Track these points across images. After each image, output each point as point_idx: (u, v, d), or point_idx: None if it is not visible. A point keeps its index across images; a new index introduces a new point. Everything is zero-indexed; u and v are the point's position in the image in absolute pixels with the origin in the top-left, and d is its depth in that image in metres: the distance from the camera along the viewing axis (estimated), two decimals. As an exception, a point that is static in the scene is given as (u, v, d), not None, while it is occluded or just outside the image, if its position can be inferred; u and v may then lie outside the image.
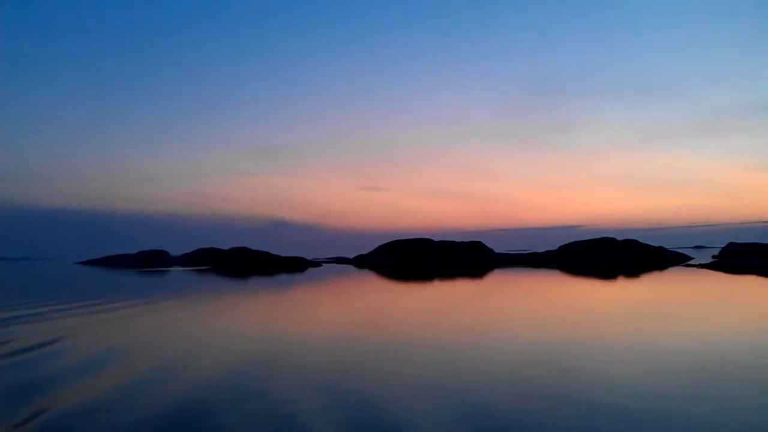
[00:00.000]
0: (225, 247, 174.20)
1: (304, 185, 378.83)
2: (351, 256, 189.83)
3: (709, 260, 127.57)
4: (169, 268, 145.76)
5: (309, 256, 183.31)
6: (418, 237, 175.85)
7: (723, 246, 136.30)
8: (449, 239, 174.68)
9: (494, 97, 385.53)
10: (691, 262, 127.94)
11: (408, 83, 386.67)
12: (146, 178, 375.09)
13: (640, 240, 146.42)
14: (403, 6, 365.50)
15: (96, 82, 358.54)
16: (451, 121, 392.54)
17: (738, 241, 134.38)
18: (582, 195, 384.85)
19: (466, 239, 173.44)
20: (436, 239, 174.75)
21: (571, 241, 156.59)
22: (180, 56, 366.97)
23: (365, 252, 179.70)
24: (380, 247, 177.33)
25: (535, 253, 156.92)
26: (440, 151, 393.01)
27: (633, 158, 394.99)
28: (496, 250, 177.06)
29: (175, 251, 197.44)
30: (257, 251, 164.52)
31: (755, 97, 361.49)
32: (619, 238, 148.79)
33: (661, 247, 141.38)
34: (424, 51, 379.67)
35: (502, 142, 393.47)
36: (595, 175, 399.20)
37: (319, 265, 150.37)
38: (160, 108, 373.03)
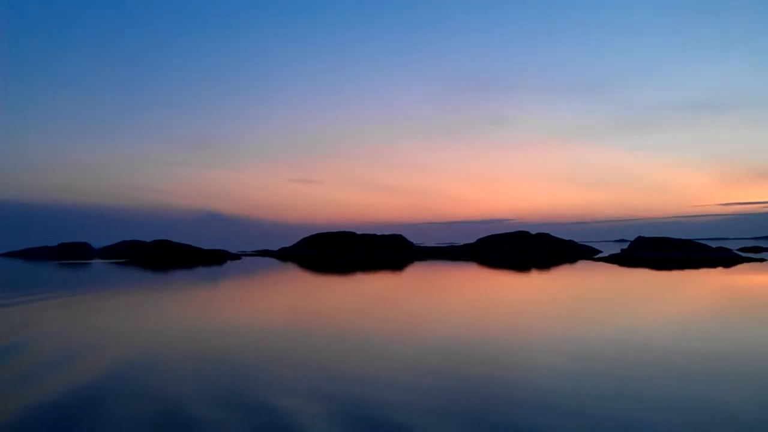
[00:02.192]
0: (149, 239, 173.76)
1: (235, 178, 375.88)
2: (276, 248, 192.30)
3: (617, 253, 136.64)
4: (90, 261, 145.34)
5: (235, 249, 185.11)
6: (342, 230, 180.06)
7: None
8: (375, 232, 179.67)
9: (426, 92, 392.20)
10: (599, 255, 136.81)
11: (339, 77, 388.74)
12: (71, 168, 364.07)
13: (570, 233, 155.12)
14: (334, 0, 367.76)
15: (18, 70, 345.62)
16: (383, 115, 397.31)
17: (650, 236, 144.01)
18: (512, 189, 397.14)
19: (396, 232, 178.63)
20: (359, 232, 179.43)
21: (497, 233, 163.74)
22: (109, 47, 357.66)
23: (289, 245, 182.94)
24: (303, 240, 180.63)
25: (454, 246, 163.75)
26: (372, 145, 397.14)
27: (562, 153, 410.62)
28: (427, 244, 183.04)
29: (98, 243, 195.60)
30: (178, 244, 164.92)
31: (679, 95, 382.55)
32: (553, 232, 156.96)
33: (571, 241, 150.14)
34: (356, 45, 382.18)
35: (434, 136, 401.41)
36: (525, 170, 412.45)
37: (239, 258, 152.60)
38: (86, 98, 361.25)
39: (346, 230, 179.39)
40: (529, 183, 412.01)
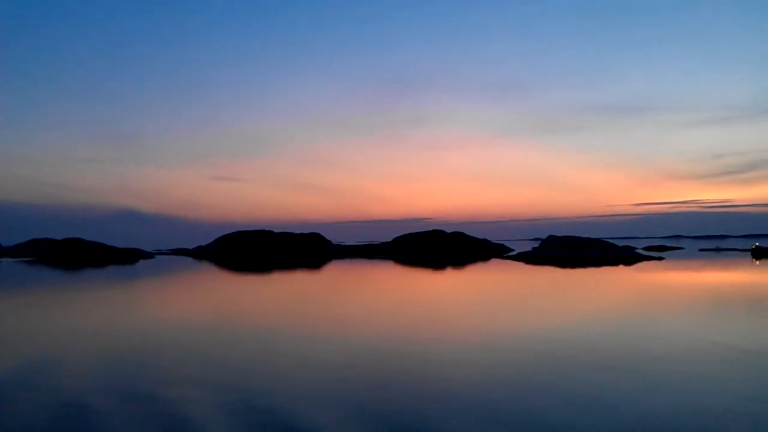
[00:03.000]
0: (62, 237, 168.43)
1: (156, 175, 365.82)
2: (193, 247, 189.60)
3: (528, 251, 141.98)
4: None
5: (151, 248, 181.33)
6: (260, 229, 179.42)
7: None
8: (296, 231, 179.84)
9: (348, 90, 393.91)
10: (511, 254, 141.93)
11: (264, 75, 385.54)
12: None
13: (485, 231, 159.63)
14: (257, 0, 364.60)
15: None
16: (305, 114, 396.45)
17: (563, 234, 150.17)
18: (433, 188, 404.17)
19: (318, 231, 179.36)
20: (279, 231, 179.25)
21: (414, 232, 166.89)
22: (28, 40, 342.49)
23: (205, 243, 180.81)
24: (220, 238, 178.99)
25: (371, 244, 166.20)
26: (294, 143, 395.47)
27: (481, 153, 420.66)
28: (347, 243, 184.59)
29: (9, 242, 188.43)
30: (90, 242, 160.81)
31: (597, 97, 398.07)
32: (473, 230, 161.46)
33: (485, 240, 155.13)
34: (279, 45, 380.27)
35: (356, 135, 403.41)
36: (445, 169, 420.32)
37: (153, 257, 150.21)
38: (3, 92, 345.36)
39: (264, 229, 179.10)
40: (449, 182, 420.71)
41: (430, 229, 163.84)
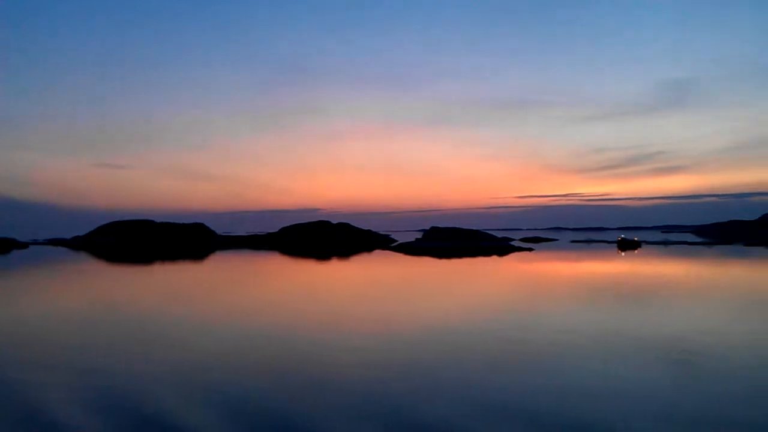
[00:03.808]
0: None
1: (33, 160, 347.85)
2: (70, 237, 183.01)
3: (410, 242, 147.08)
4: None
5: (27, 237, 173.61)
6: (141, 218, 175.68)
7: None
8: (186, 221, 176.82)
9: (242, 80, 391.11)
10: (394, 244, 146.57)
11: (156, 63, 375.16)
12: None
13: (375, 222, 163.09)
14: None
15: None
16: (198, 103, 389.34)
17: (450, 226, 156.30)
18: (326, 178, 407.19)
19: (208, 221, 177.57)
20: (162, 221, 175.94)
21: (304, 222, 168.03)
22: None
23: (82, 233, 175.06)
24: (99, 228, 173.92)
25: (257, 235, 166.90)
26: (185, 132, 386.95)
27: (374, 144, 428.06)
28: (236, 233, 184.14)
29: None
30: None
31: (485, 91, 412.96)
32: (363, 221, 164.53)
33: (369, 230, 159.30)
34: (172, 33, 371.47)
35: (250, 125, 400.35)
36: (338, 160, 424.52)
37: (27, 247, 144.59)
38: None
39: (147, 218, 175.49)
40: (343, 173, 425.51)
41: (323, 219, 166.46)
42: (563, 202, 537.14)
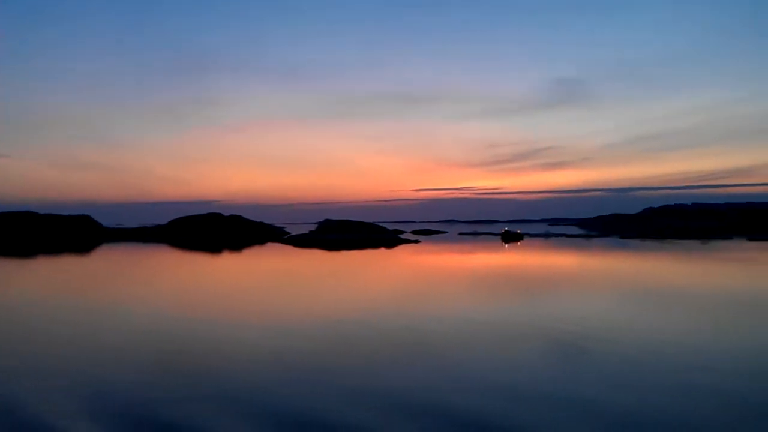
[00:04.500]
0: None
1: None
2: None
3: (302, 234, 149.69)
4: None
5: None
6: (22, 210, 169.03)
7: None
8: (74, 212, 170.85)
9: (139, 71, 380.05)
10: (286, 237, 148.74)
11: (41, 51, 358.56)
12: None
13: (273, 214, 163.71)
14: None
15: None
16: (89, 92, 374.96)
17: (344, 219, 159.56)
18: (224, 171, 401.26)
19: (97, 212, 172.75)
20: (45, 213, 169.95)
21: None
22: None
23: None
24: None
25: (146, 227, 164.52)
26: (77, 122, 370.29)
27: (272, 137, 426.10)
28: (127, 225, 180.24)
29: None
30: None
31: (384, 85, 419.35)
32: (260, 214, 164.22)
33: (261, 223, 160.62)
34: (62, 20, 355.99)
35: (144, 115, 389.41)
36: (235, 152, 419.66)
37: None
38: None
39: (28, 210, 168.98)
40: (239, 165, 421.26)
41: (215, 212, 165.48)
42: (457, 195, 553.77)
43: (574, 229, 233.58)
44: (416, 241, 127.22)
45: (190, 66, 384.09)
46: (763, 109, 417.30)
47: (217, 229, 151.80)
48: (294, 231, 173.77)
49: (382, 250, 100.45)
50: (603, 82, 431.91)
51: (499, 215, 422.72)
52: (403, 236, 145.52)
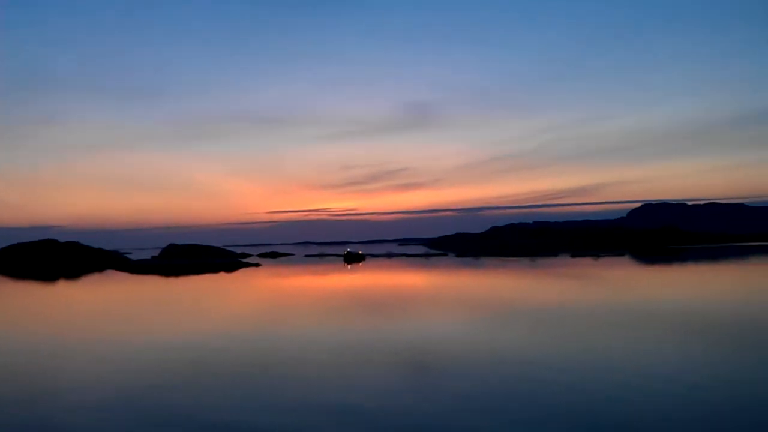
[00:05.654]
0: None
1: None
2: None
3: (144, 259, 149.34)
4: None
5: None
6: None
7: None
8: None
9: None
10: (127, 263, 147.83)
11: None
12: None
13: (117, 240, 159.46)
14: None
15: None
16: None
17: (195, 243, 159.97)
18: (63, 195, 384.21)
19: None
20: None
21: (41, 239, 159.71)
22: None
23: None
24: None
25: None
26: None
27: (118, 159, 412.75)
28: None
29: None
30: None
31: (238, 106, 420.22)
32: (98, 239, 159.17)
33: (100, 249, 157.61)
34: None
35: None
36: (78, 175, 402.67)
37: None
38: None
39: None
40: (80, 189, 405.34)
41: (52, 238, 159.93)
42: (313, 216, 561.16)
43: (421, 249, 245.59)
44: (257, 265, 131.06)
45: (27, 86, 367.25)
46: (606, 129, 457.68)
47: (52, 256, 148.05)
48: (141, 256, 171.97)
49: (222, 274, 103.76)
50: (454, 105, 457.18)
51: (353, 236, 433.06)
52: (247, 260, 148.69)
